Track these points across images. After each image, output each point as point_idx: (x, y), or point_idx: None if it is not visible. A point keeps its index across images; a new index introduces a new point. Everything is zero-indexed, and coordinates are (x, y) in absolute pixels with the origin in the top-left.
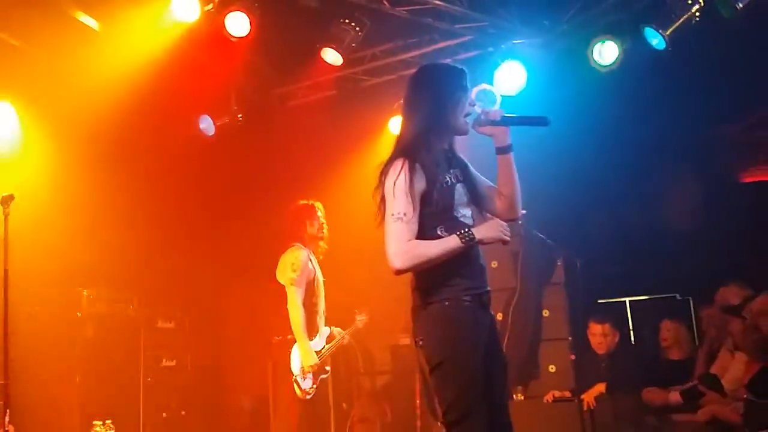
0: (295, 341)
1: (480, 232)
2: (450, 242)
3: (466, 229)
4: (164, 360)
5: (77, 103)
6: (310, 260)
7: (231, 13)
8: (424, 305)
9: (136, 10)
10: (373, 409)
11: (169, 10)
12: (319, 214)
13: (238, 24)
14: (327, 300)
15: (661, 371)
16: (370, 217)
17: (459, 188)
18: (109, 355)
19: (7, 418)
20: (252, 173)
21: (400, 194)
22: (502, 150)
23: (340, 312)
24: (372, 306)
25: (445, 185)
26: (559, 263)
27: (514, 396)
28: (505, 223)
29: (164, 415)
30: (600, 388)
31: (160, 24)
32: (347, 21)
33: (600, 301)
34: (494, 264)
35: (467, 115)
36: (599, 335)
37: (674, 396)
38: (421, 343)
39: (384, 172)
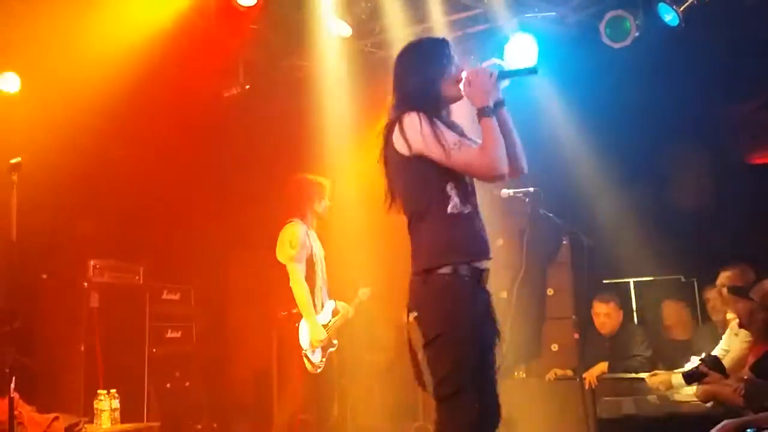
0: (301, 316)
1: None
2: (488, 124)
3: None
4: (169, 331)
5: (85, 73)
6: (308, 235)
7: None
8: (424, 276)
9: None
10: (376, 384)
11: None
12: (327, 193)
13: None
14: (331, 275)
15: (665, 351)
16: (376, 192)
17: None
18: (114, 326)
19: (12, 385)
20: (259, 145)
21: (439, 132)
22: (498, 105)
23: (343, 287)
24: (378, 281)
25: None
26: (565, 242)
27: (515, 374)
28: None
29: (168, 385)
30: (602, 367)
31: None
32: None
33: (605, 281)
34: (500, 242)
35: (458, 81)
36: (603, 314)
37: (677, 378)
38: (417, 314)
39: (400, 128)
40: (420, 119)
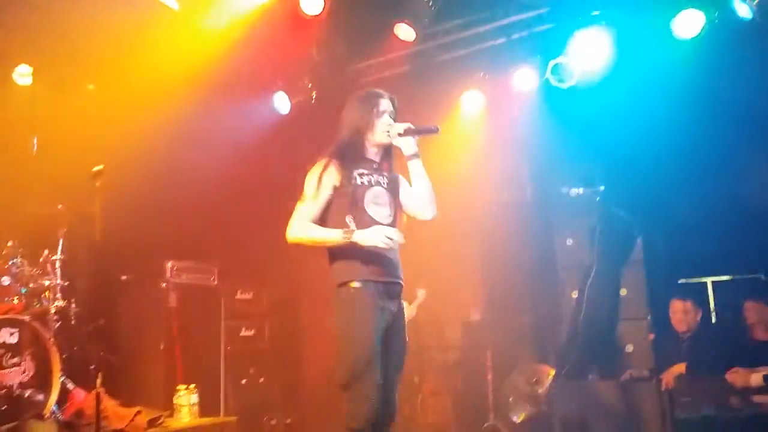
0: None
1: (359, 235)
2: (332, 234)
3: (350, 229)
4: (243, 329)
5: (158, 82)
6: None
7: None
8: (336, 286)
9: None
10: (445, 383)
11: None
12: None
13: (311, 2)
14: None
15: (746, 351)
16: (441, 196)
17: (377, 190)
18: (191, 324)
19: (98, 381)
20: (326, 149)
21: (310, 181)
22: (410, 157)
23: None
24: (443, 282)
25: (360, 184)
26: (638, 240)
27: (588, 376)
28: (392, 232)
29: (243, 381)
30: (680, 368)
31: (237, 4)
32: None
33: (681, 281)
34: (569, 242)
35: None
36: (681, 312)
37: (756, 378)
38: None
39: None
40: (320, 165)
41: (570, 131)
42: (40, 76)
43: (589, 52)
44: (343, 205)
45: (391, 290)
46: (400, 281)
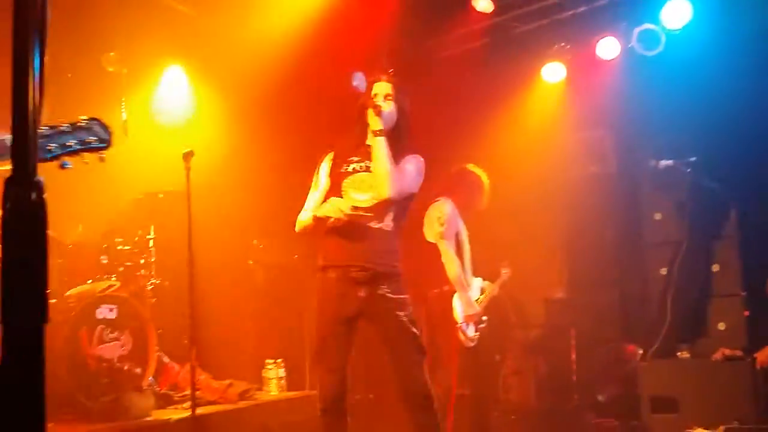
0: (453, 293)
1: (319, 210)
2: (305, 216)
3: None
4: None
5: (241, 64)
6: (456, 214)
7: None
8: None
9: None
10: (527, 362)
11: None
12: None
13: None
14: (476, 253)
15: None
16: (521, 171)
17: (360, 176)
18: (277, 301)
19: (193, 354)
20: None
21: (316, 172)
22: (375, 133)
23: (486, 264)
24: (524, 259)
25: (342, 171)
26: (732, 214)
27: (678, 354)
28: (346, 205)
29: None
30: None
31: None
32: None
33: None
34: (658, 216)
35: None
36: None
37: None
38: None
39: None
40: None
41: (657, 100)
42: (126, 62)
43: (676, 17)
44: (328, 192)
45: (356, 276)
46: (369, 267)
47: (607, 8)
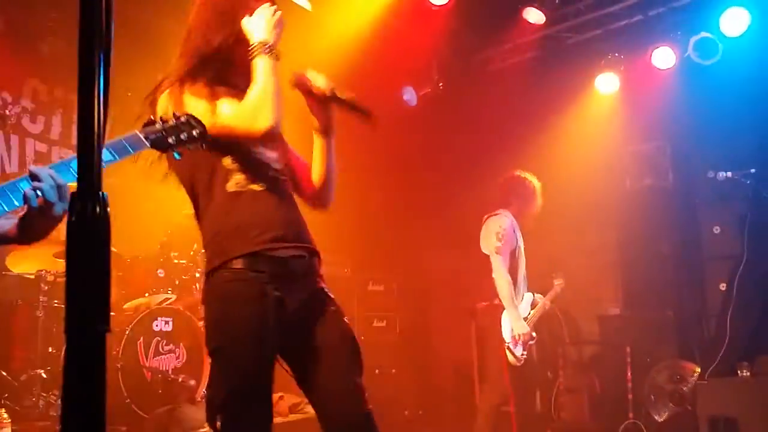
0: (502, 307)
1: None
2: (260, 65)
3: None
4: (375, 320)
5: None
6: (515, 228)
7: None
8: (208, 273)
9: None
10: (581, 379)
11: None
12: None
13: None
14: (529, 267)
15: None
16: (576, 184)
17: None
18: None
19: None
20: (455, 141)
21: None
22: (325, 132)
23: (538, 278)
24: (577, 274)
25: None
26: None
27: (738, 373)
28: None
29: (377, 371)
30: None
31: (365, 1)
32: None
33: None
34: (716, 229)
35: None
36: None
37: None
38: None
39: None
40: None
41: (714, 110)
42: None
43: (734, 25)
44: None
45: (291, 266)
46: (306, 249)
47: (662, 17)
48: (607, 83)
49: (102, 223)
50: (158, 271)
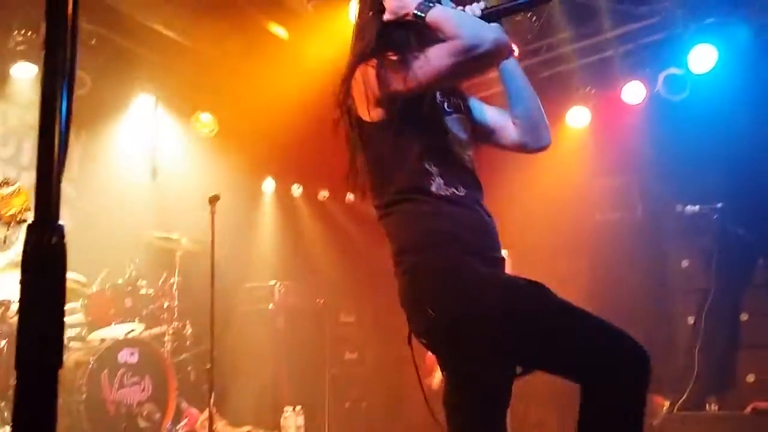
0: None
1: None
2: (438, 11)
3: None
4: (347, 353)
5: (269, 108)
6: None
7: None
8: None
9: (320, 20)
10: (551, 412)
11: (350, 17)
12: None
13: None
14: None
15: None
16: (545, 216)
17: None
18: (298, 346)
19: (211, 400)
20: None
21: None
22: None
23: None
24: None
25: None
26: (760, 262)
27: (706, 407)
28: None
29: (347, 405)
30: None
31: (342, 30)
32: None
33: None
34: (685, 263)
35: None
36: None
37: None
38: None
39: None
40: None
41: (683, 145)
42: (159, 106)
43: (702, 62)
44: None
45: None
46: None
47: (632, 53)
48: (578, 117)
49: (58, 254)
50: (125, 301)
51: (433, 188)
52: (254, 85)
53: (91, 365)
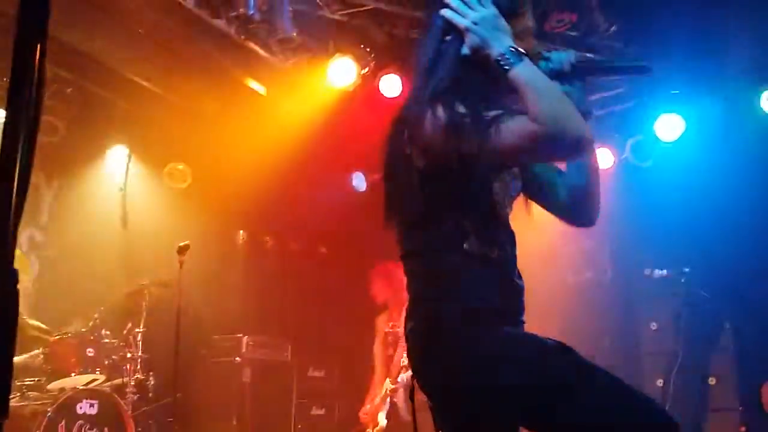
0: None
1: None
2: (522, 74)
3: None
4: (314, 408)
5: (244, 162)
6: None
7: (385, 76)
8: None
9: (298, 76)
10: None
11: (329, 75)
12: None
13: (391, 85)
14: None
15: None
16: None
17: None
18: (264, 400)
19: None
20: None
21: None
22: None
23: None
24: None
25: None
26: (727, 326)
27: None
28: None
29: None
30: None
31: (320, 88)
32: None
33: None
34: (653, 326)
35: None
36: None
37: None
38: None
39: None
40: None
41: (652, 211)
42: (133, 156)
43: (669, 130)
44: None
45: None
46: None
47: (601, 119)
48: None
49: (9, 301)
50: (87, 350)
51: (466, 246)
52: (229, 137)
53: (48, 415)
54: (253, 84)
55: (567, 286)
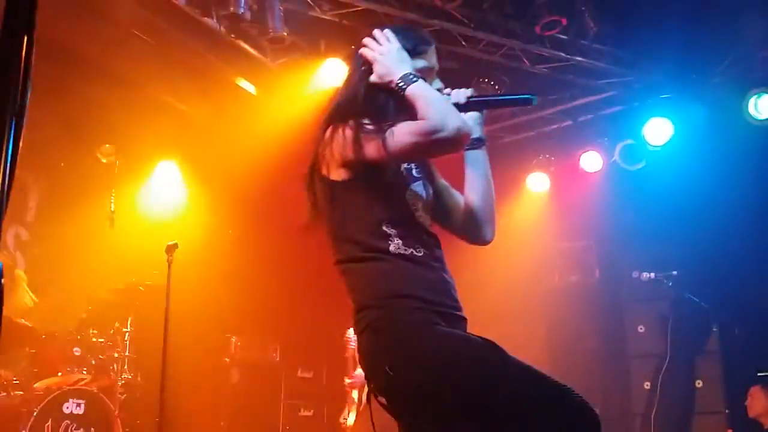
0: None
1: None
2: (415, 89)
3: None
4: (302, 409)
5: (233, 161)
6: None
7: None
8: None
9: (288, 77)
10: None
11: (319, 75)
12: None
13: None
14: None
15: None
16: (503, 278)
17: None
18: (252, 401)
19: None
20: None
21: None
22: (472, 144)
23: None
24: None
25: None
26: (714, 329)
27: None
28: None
29: None
30: None
31: (309, 89)
32: (486, 80)
33: (761, 373)
34: (641, 329)
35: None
36: (764, 399)
37: None
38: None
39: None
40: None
41: (640, 213)
42: (120, 155)
43: (658, 134)
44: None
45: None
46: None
47: (590, 123)
48: (537, 182)
49: None
50: (74, 350)
51: (392, 248)
52: (219, 136)
53: (34, 415)
54: (243, 83)
55: (555, 289)
